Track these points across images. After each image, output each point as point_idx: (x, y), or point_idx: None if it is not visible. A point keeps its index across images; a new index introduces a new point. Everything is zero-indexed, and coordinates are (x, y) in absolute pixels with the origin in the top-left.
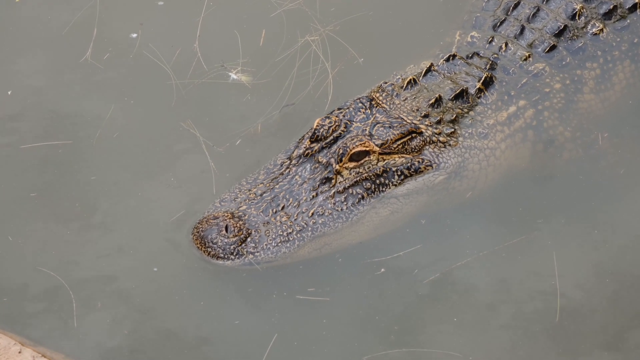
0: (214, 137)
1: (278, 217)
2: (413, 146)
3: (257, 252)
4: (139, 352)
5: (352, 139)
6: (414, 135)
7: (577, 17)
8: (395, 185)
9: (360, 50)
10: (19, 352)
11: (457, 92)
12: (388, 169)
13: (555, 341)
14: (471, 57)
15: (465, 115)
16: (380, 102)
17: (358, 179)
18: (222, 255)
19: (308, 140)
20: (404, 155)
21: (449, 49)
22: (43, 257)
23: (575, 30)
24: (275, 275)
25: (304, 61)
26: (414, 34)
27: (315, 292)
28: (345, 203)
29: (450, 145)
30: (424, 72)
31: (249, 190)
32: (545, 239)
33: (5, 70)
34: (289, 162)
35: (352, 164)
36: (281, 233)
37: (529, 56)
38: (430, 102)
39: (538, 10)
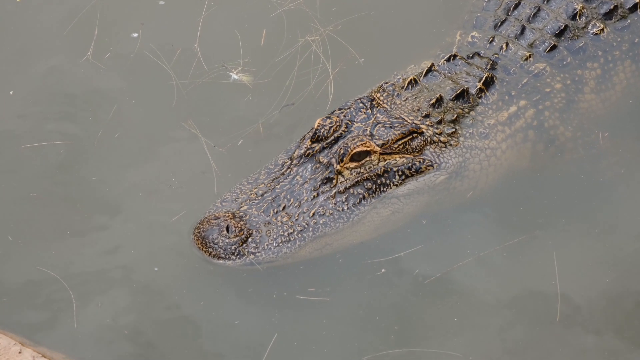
0: (215, 137)
1: (279, 217)
2: (414, 146)
3: (258, 252)
4: (139, 352)
5: (353, 139)
6: (415, 135)
7: (577, 17)
8: (396, 185)
9: (360, 50)
10: (19, 352)
11: (458, 92)
12: (389, 169)
13: (555, 341)
14: (472, 57)
15: (466, 115)
16: (381, 102)
17: (359, 179)
18: (223, 255)
19: (309, 140)
20: (405, 155)
21: (449, 49)
22: (43, 257)
23: (576, 30)
24: (276, 275)
25: (305, 61)
26: (415, 34)
27: (315, 292)
28: (346, 203)
29: (451, 145)
30: (424, 72)
31: (250, 190)
32: (545, 238)
33: (7, 70)
34: (290, 162)
35: (353, 164)
36: (282, 233)
37: (530, 56)
38: (431, 102)
39: (539, 10)
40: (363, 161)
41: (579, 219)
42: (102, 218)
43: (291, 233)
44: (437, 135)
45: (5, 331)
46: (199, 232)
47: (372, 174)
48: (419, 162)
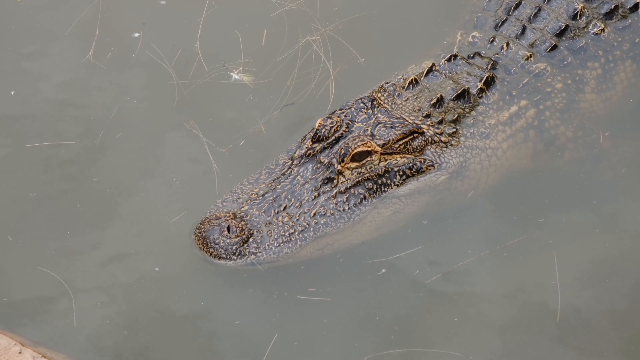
0: (216, 137)
1: (280, 218)
2: (415, 146)
3: (259, 252)
4: (139, 352)
5: (354, 139)
6: (415, 135)
7: (578, 17)
8: (397, 185)
9: (361, 50)
10: (19, 353)
11: (459, 92)
12: (390, 169)
13: (555, 341)
14: (473, 57)
15: (467, 115)
16: (381, 102)
17: (360, 179)
18: (224, 255)
19: (310, 140)
20: (406, 155)
21: (450, 49)
22: (43, 257)
23: (577, 30)
24: (277, 275)
25: (305, 61)
26: (416, 34)
27: (316, 292)
28: (347, 203)
29: (452, 145)
30: (425, 72)
31: (251, 190)
32: (546, 238)
33: (8, 70)
34: (290, 162)
35: (354, 164)
36: (283, 233)
37: (531, 56)
38: (432, 102)
39: (539, 10)
40: (364, 161)
41: (580, 218)
42: (103, 218)
43: (292, 233)
44: (438, 135)
45: (5, 331)
46: (200, 232)
47: (373, 174)
48: (420, 162)
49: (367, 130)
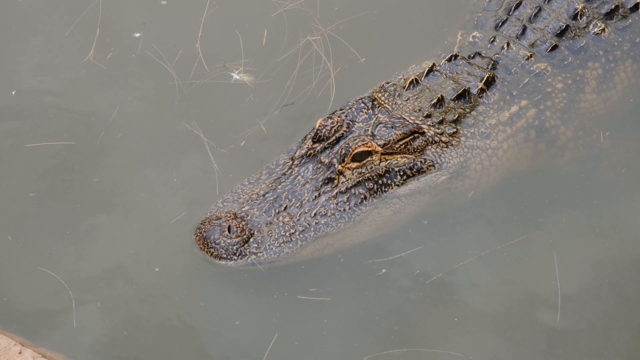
0: (217, 137)
1: (280, 218)
2: (415, 146)
3: (260, 252)
4: (139, 353)
5: (355, 139)
6: (416, 135)
7: (578, 17)
8: (398, 185)
9: (361, 50)
10: (19, 353)
11: (459, 92)
12: (390, 169)
13: (556, 341)
14: (473, 57)
15: (468, 115)
16: (382, 102)
17: (360, 179)
18: (224, 255)
19: (310, 140)
20: (407, 155)
21: (450, 49)
22: (43, 257)
23: (577, 30)
24: (277, 275)
25: (306, 61)
26: (416, 34)
27: (316, 292)
28: (347, 203)
29: (452, 145)
30: (426, 72)
31: (252, 190)
32: (546, 238)
33: (9, 70)
34: (291, 162)
35: (354, 164)
36: (284, 233)
37: (531, 56)
38: (433, 102)
39: (540, 10)
40: (364, 161)
41: (580, 218)
42: (103, 218)
43: (293, 233)
44: (438, 135)
45: (5, 331)
46: (200, 233)
47: (373, 174)
48: (421, 162)
49: (368, 130)
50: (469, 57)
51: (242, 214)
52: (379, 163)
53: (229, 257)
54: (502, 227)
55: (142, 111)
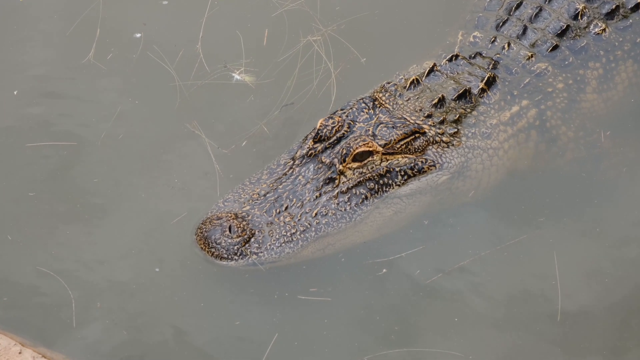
0: (217, 138)
1: (281, 218)
2: (416, 146)
3: (261, 252)
4: (139, 353)
5: (356, 139)
6: (417, 135)
7: (579, 17)
8: (399, 185)
9: (362, 50)
10: (19, 353)
11: (460, 92)
12: (391, 169)
13: (556, 341)
14: (474, 57)
15: (468, 115)
16: (383, 102)
17: (361, 179)
18: (225, 255)
19: (311, 140)
20: (407, 155)
21: (451, 49)
22: (43, 257)
23: (578, 30)
24: (278, 275)
25: (307, 61)
26: (417, 34)
27: (317, 292)
28: (348, 203)
29: (453, 145)
30: (426, 72)
31: (253, 190)
32: (546, 237)
33: (11, 70)
34: (292, 162)
35: (355, 164)
36: (285, 233)
37: (532, 56)
38: (434, 102)
39: (540, 10)
40: (365, 161)
41: (580, 218)
42: (103, 218)
43: (294, 233)
44: (439, 135)
45: (5, 331)
46: (201, 233)
47: (374, 174)
48: (422, 162)
49: (369, 130)
50: (470, 57)
51: (243, 214)
52: (380, 163)
53: (230, 257)
54: (502, 227)
55: (143, 112)
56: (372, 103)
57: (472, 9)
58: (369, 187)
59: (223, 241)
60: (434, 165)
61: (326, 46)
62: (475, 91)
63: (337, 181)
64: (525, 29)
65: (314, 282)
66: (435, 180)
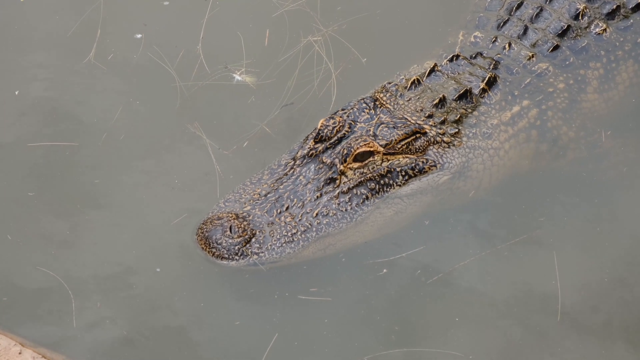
0: (218, 139)
1: (282, 218)
2: (417, 146)
3: (262, 252)
4: (139, 353)
5: (357, 140)
6: (418, 135)
7: (580, 17)
8: (400, 185)
9: (363, 50)
10: (19, 353)
11: (461, 92)
12: (392, 170)
13: (556, 341)
14: (475, 57)
15: (469, 115)
16: (384, 103)
17: (362, 179)
18: (226, 255)
19: (312, 140)
20: (408, 155)
21: (452, 49)
22: (43, 257)
23: (579, 30)
24: (278, 275)
25: (307, 62)
26: (417, 34)
27: (317, 292)
28: (349, 203)
29: (454, 145)
30: (427, 72)
31: (253, 190)
32: (546, 237)
33: (12, 70)
34: (293, 162)
35: (356, 165)
36: (285, 233)
37: (533, 56)
38: (434, 102)
39: (541, 10)
40: (366, 161)
41: (581, 218)
42: (104, 219)
43: (294, 233)
44: (440, 136)
45: (5, 331)
46: (202, 233)
47: (375, 174)
48: (422, 162)
49: (370, 130)
50: (471, 57)
51: (244, 214)
52: (381, 163)
53: (230, 257)
54: (503, 227)
55: (143, 113)
56: (373, 103)
57: (473, 9)
58: (369, 187)
59: (224, 241)
60: (435, 166)
61: (327, 46)
62: (476, 91)
63: (338, 181)
64: (526, 29)
65: (314, 282)
66: (436, 181)
